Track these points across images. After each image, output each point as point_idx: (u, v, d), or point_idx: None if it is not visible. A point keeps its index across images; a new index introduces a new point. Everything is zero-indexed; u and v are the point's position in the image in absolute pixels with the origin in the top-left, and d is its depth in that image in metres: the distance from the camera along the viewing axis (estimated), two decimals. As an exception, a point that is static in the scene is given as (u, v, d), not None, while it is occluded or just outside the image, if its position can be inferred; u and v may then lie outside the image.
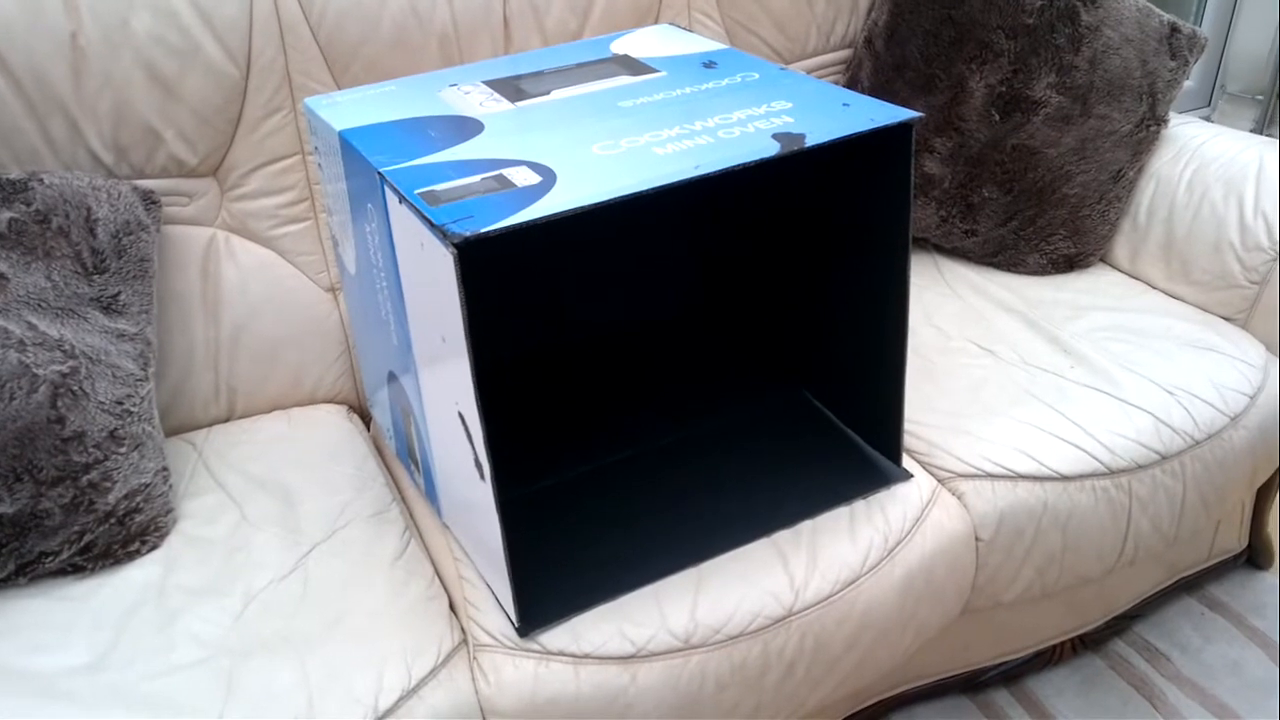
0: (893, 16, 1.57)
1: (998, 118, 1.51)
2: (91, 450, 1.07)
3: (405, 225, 0.92)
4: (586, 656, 1.00)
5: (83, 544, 1.07)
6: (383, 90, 1.17)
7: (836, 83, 1.64)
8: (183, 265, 1.30)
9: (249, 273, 1.33)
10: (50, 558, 1.07)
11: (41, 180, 1.15)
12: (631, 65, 1.18)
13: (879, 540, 1.12)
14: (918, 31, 1.55)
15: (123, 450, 1.10)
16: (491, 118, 1.06)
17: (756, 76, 1.11)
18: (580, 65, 1.19)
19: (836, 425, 1.27)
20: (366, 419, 1.39)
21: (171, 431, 1.30)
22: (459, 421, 0.95)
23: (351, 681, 0.97)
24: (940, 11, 1.53)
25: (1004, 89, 1.50)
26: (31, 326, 1.08)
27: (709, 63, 1.17)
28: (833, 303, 1.22)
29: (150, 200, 1.23)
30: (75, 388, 1.08)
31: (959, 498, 1.20)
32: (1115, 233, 1.57)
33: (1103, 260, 1.59)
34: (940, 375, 1.34)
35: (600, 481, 1.20)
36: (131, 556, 1.10)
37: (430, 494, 1.17)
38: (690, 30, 1.49)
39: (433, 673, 0.99)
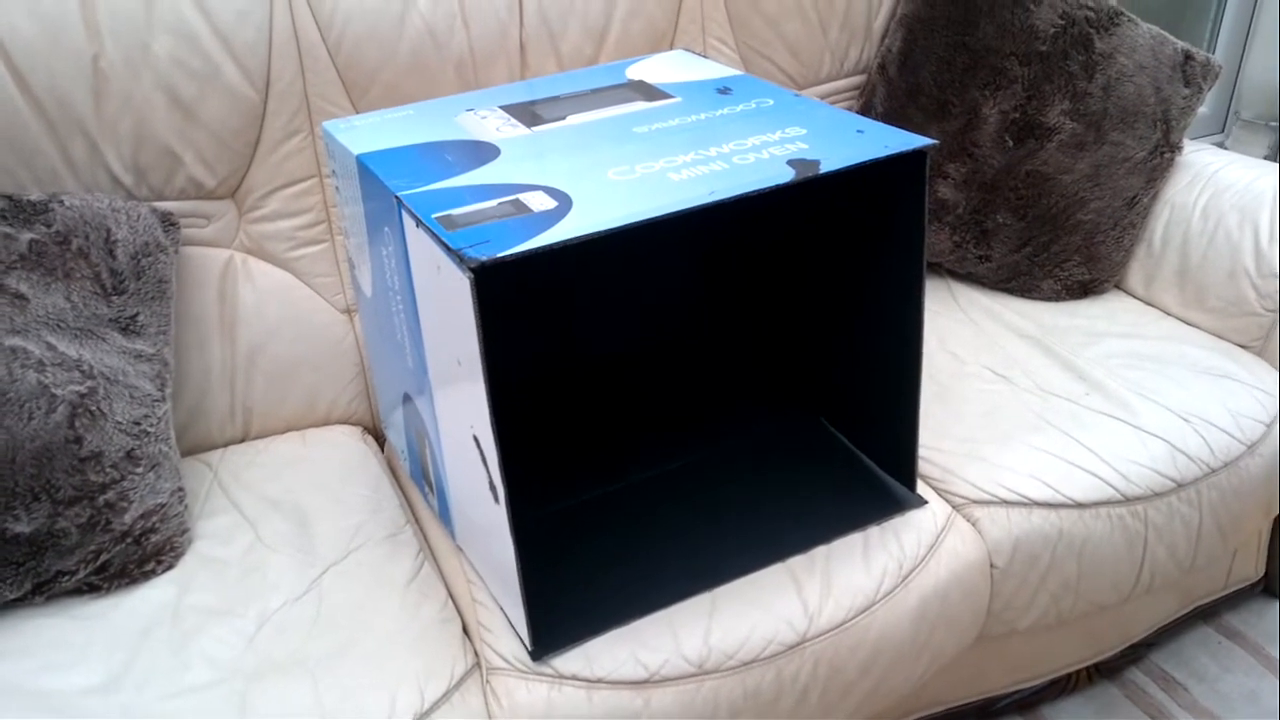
0: (906, 43, 1.58)
1: (1011, 144, 1.51)
2: (108, 470, 1.08)
3: (422, 249, 0.92)
4: (600, 681, 1.00)
5: (99, 563, 1.08)
6: (400, 114, 1.17)
7: (850, 109, 1.65)
8: (200, 286, 1.31)
9: (266, 294, 1.34)
10: (66, 577, 1.07)
11: (62, 202, 1.16)
12: (647, 91, 1.18)
13: (893, 566, 1.12)
14: (931, 58, 1.55)
15: (139, 470, 1.11)
16: (508, 143, 1.06)
17: (771, 103, 1.12)
18: (596, 91, 1.20)
19: (851, 451, 1.26)
20: (381, 440, 1.40)
21: (187, 451, 1.31)
22: (474, 444, 0.95)
23: (364, 704, 0.97)
24: (954, 38, 1.54)
25: (1018, 115, 1.51)
26: (50, 347, 1.09)
27: (724, 89, 1.17)
28: (847, 328, 1.22)
29: (169, 222, 1.24)
30: (93, 408, 1.08)
31: (974, 524, 1.19)
32: (1130, 259, 1.57)
33: (1118, 287, 1.59)
34: (955, 401, 1.34)
35: (614, 505, 1.20)
36: (147, 576, 1.11)
37: (444, 516, 1.17)
38: (705, 56, 1.50)
39: (445, 696, 0.99)
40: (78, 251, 1.14)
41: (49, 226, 1.14)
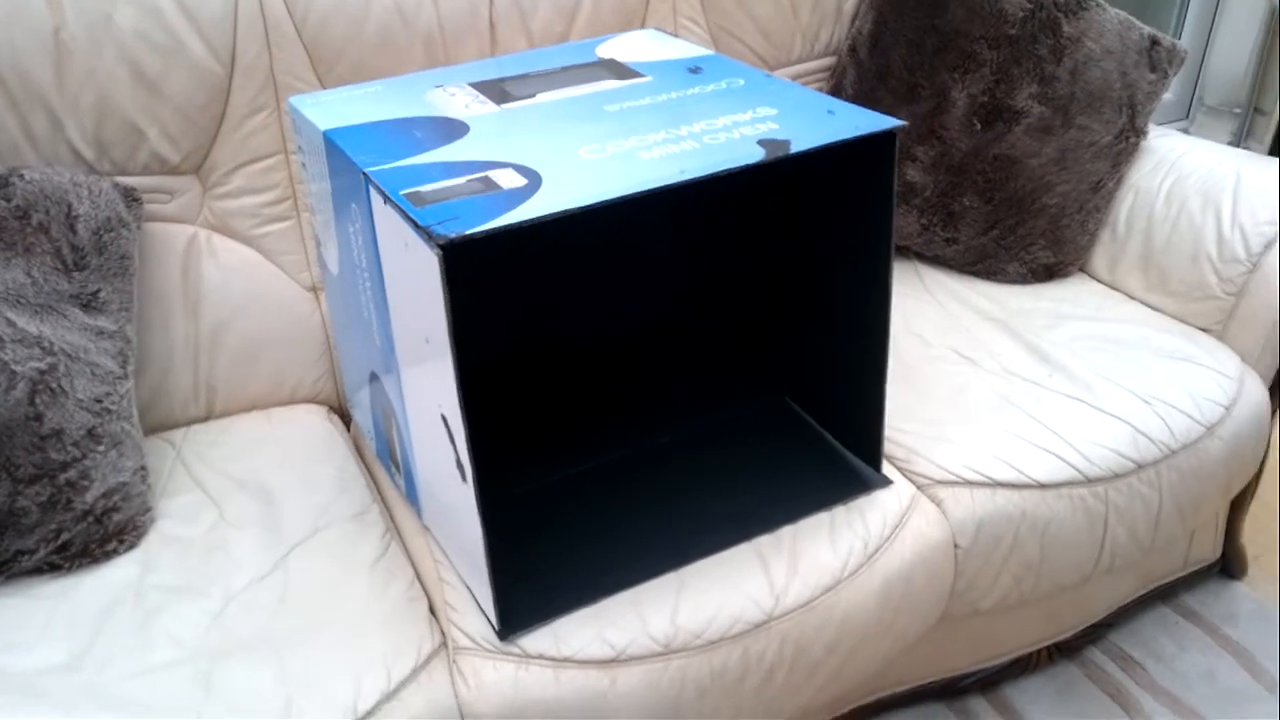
0: (876, 25, 1.58)
1: (979, 127, 1.52)
2: (70, 448, 1.07)
3: (390, 226, 0.92)
4: (566, 660, 1.00)
5: (60, 543, 1.07)
6: (368, 90, 1.16)
7: (820, 90, 1.65)
8: (163, 263, 1.29)
9: (230, 271, 1.32)
10: (27, 556, 1.06)
11: (22, 176, 1.14)
12: (617, 69, 1.18)
13: (859, 546, 1.13)
14: (901, 40, 1.55)
15: (101, 449, 1.09)
16: (477, 120, 1.06)
17: (742, 83, 1.12)
18: (566, 69, 1.19)
19: (818, 431, 1.27)
20: (347, 420, 1.39)
21: (150, 430, 1.29)
22: (441, 423, 0.95)
23: (330, 684, 0.96)
24: (923, 21, 1.54)
25: (986, 99, 1.51)
26: (10, 323, 1.07)
27: (694, 68, 1.17)
28: (815, 309, 1.22)
29: (132, 197, 1.22)
30: (54, 385, 1.07)
31: (938, 504, 1.20)
32: (1094, 243, 1.58)
33: (1082, 270, 1.60)
34: (921, 382, 1.34)
35: (582, 485, 1.20)
36: (109, 556, 1.10)
37: (411, 495, 1.17)
38: (676, 35, 1.49)
39: (412, 675, 0.99)
40: (38, 226, 1.12)
41: (8, 200, 1.12)
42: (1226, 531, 1.62)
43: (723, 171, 0.90)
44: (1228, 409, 1.33)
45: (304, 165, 1.17)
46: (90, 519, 1.08)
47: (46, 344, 1.08)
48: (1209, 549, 1.61)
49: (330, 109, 1.11)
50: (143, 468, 1.15)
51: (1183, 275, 1.47)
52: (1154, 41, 1.52)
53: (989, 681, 1.48)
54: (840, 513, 1.15)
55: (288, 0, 1.28)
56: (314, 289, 1.38)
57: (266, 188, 1.33)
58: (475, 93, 1.13)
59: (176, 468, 1.23)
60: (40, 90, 1.19)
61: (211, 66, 1.26)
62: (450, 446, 0.95)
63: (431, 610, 1.07)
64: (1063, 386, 1.32)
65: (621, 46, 1.26)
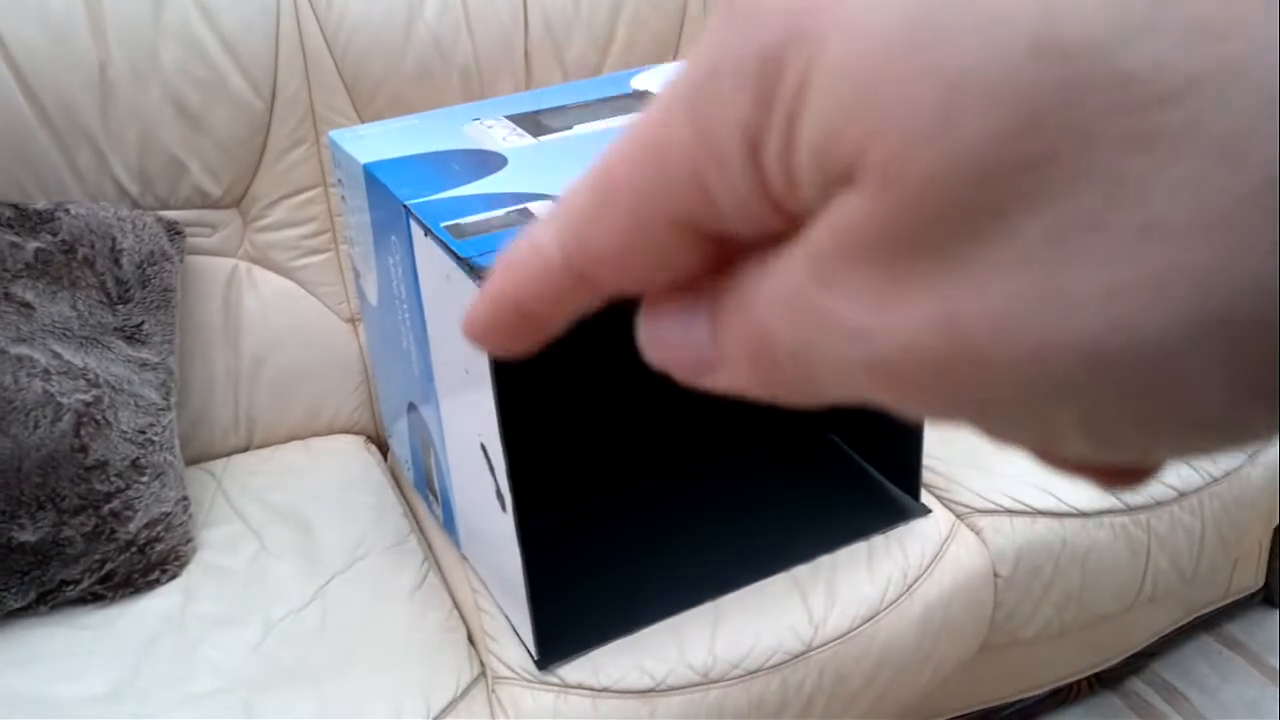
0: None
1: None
2: (114, 479, 1.08)
3: (430, 258, 0.93)
4: (605, 690, 1.00)
5: (103, 573, 1.08)
6: (406, 124, 1.18)
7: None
8: (205, 295, 1.31)
9: (270, 303, 1.34)
10: (71, 586, 1.07)
11: (68, 210, 1.16)
12: (652, 101, 1.18)
13: (897, 576, 1.12)
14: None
15: (144, 479, 1.11)
16: (514, 152, 1.07)
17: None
18: (601, 100, 1.20)
19: (855, 460, 1.27)
20: (384, 449, 1.40)
21: (191, 461, 1.30)
22: (481, 453, 0.95)
23: (370, 713, 0.97)
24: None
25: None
26: (56, 355, 1.09)
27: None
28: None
29: (174, 231, 1.24)
30: (98, 416, 1.08)
31: (977, 533, 1.20)
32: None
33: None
34: (957, 410, 1.34)
35: (620, 513, 1.20)
36: (151, 586, 1.11)
37: (449, 525, 1.17)
38: (709, 66, 1.50)
39: (451, 705, 0.99)
40: (83, 260, 1.14)
41: (55, 235, 1.14)
42: (1269, 560, 1.60)
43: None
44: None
45: (343, 198, 1.19)
46: (133, 549, 1.09)
47: (91, 376, 1.10)
48: (1252, 577, 1.59)
49: (369, 143, 1.12)
50: (184, 498, 1.16)
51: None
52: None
53: (1029, 712, 1.46)
54: (879, 542, 1.14)
55: (327, 35, 1.30)
56: (352, 320, 1.39)
57: (306, 220, 1.35)
58: (512, 125, 1.14)
59: (217, 498, 1.24)
60: (86, 126, 1.21)
61: (252, 101, 1.28)
62: (490, 476, 0.95)
63: (470, 640, 1.07)
64: (1101, 414, 1.31)
65: (656, 78, 1.27)
